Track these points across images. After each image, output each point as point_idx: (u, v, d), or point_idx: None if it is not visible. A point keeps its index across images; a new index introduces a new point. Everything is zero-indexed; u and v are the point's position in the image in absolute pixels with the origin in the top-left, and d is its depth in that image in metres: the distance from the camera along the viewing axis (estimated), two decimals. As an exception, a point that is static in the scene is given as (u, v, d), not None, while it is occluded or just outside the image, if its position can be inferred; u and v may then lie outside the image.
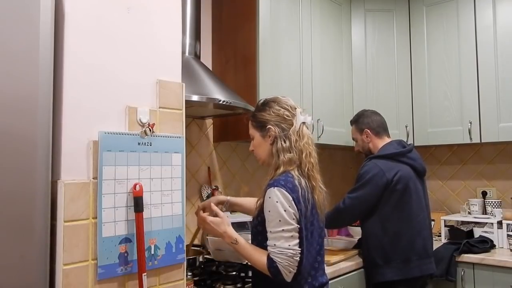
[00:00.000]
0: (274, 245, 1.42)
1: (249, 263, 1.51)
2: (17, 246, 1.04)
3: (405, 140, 2.72)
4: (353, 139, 2.52)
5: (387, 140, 2.36)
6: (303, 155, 1.52)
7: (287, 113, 1.56)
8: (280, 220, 1.42)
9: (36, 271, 1.07)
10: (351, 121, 2.53)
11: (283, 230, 1.42)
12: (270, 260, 1.42)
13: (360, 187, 2.17)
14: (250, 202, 1.84)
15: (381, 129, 2.39)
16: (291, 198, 1.43)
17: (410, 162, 2.21)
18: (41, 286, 1.08)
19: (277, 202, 1.42)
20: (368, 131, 2.39)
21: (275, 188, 1.44)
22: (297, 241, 1.43)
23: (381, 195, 2.14)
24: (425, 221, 2.22)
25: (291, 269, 1.42)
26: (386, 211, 2.14)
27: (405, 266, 2.10)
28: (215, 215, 1.58)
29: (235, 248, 1.55)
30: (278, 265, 1.41)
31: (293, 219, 1.43)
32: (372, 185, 2.14)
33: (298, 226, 1.44)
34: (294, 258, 1.42)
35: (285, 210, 1.42)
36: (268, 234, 1.45)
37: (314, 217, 1.52)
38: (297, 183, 1.47)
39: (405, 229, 2.13)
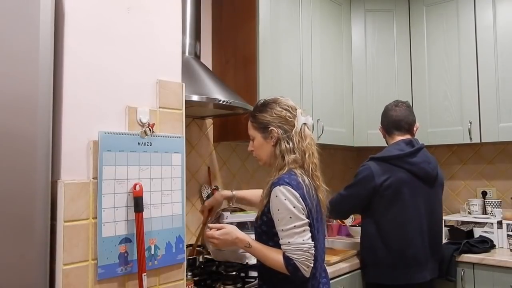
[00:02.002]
0: (288, 242, 1.42)
1: (265, 264, 1.51)
2: (17, 246, 1.05)
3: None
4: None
5: (397, 139, 2.25)
6: (306, 156, 1.53)
7: (288, 114, 1.56)
8: (291, 217, 1.42)
9: (36, 271, 1.07)
10: None
11: (294, 226, 1.42)
12: (286, 259, 1.42)
13: (350, 186, 2.20)
14: (256, 194, 1.84)
15: (391, 127, 2.28)
16: (298, 195, 1.44)
17: (407, 166, 2.11)
18: (41, 286, 1.08)
19: (285, 199, 1.43)
20: (381, 127, 2.36)
21: (281, 186, 1.44)
22: (309, 234, 1.45)
23: (369, 197, 2.12)
24: (421, 228, 2.12)
25: (308, 263, 1.42)
26: (378, 214, 2.13)
27: (392, 272, 2.09)
28: (219, 228, 1.57)
29: (249, 251, 1.55)
30: (295, 262, 1.41)
31: (303, 214, 1.44)
32: (359, 187, 2.14)
33: (309, 221, 1.45)
34: (310, 252, 1.42)
35: (294, 207, 1.43)
36: (280, 233, 1.45)
37: (318, 215, 1.54)
38: (300, 181, 1.48)
39: (396, 235, 2.10)
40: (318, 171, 1.56)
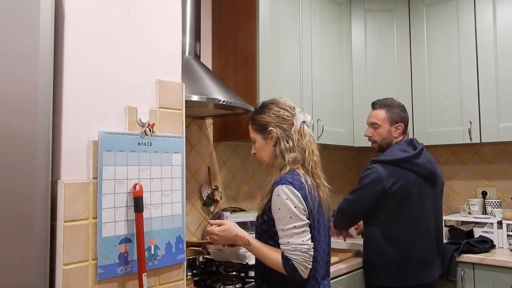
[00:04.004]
0: (288, 242, 1.42)
1: (265, 263, 1.50)
2: (17, 246, 1.04)
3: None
4: (374, 123, 2.27)
5: (403, 138, 2.25)
6: (306, 154, 1.53)
7: (286, 113, 1.56)
8: (291, 217, 1.42)
9: (36, 271, 1.07)
10: (380, 104, 2.28)
11: (294, 226, 1.41)
12: (285, 259, 1.42)
13: (356, 190, 2.14)
14: None
15: (406, 128, 2.29)
16: (300, 195, 1.43)
17: (414, 168, 2.10)
18: (41, 286, 1.08)
19: (286, 199, 1.42)
20: (402, 126, 2.24)
21: (283, 185, 1.44)
22: (309, 236, 1.44)
23: (377, 201, 2.09)
24: (428, 228, 2.14)
25: (306, 265, 1.41)
26: (385, 217, 2.10)
27: (402, 273, 2.07)
28: (219, 224, 1.60)
29: (248, 249, 1.55)
30: (293, 262, 1.40)
31: (304, 214, 1.43)
32: (367, 191, 2.10)
33: (309, 222, 1.44)
34: (309, 253, 1.42)
35: (295, 207, 1.42)
36: (280, 233, 1.44)
37: (320, 215, 1.52)
38: (303, 181, 1.48)
39: (404, 236, 2.09)
40: (319, 169, 1.56)
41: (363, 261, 2.25)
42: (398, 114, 2.25)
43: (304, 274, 1.42)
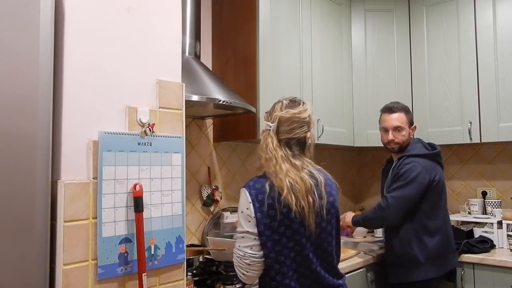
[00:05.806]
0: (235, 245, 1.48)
1: None
2: (17, 246, 1.05)
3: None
4: (398, 127, 2.28)
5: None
6: (264, 160, 1.47)
7: (265, 117, 1.57)
8: (237, 221, 1.47)
9: (36, 271, 1.07)
10: (399, 108, 2.32)
11: (237, 231, 1.46)
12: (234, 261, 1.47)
13: (403, 185, 2.14)
14: None
15: None
16: (250, 200, 1.41)
17: (441, 162, 2.28)
18: (41, 286, 1.08)
19: (239, 202, 1.46)
20: (415, 128, 2.41)
21: (243, 188, 1.47)
22: (249, 243, 1.41)
23: (423, 194, 2.15)
24: (449, 217, 2.32)
25: (243, 271, 1.43)
26: (425, 209, 2.17)
27: (444, 263, 2.18)
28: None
29: None
30: (235, 266, 1.45)
31: (249, 221, 1.41)
32: (416, 184, 2.13)
33: (247, 229, 1.40)
34: (243, 260, 1.41)
35: (242, 212, 1.44)
36: None
37: (292, 221, 1.39)
38: (267, 185, 1.41)
39: (441, 226, 2.20)
40: (284, 176, 1.40)
41: (394, 258, 2.23)
42: (412, 117, 2.41)
43: (245, 280, 1.45)
